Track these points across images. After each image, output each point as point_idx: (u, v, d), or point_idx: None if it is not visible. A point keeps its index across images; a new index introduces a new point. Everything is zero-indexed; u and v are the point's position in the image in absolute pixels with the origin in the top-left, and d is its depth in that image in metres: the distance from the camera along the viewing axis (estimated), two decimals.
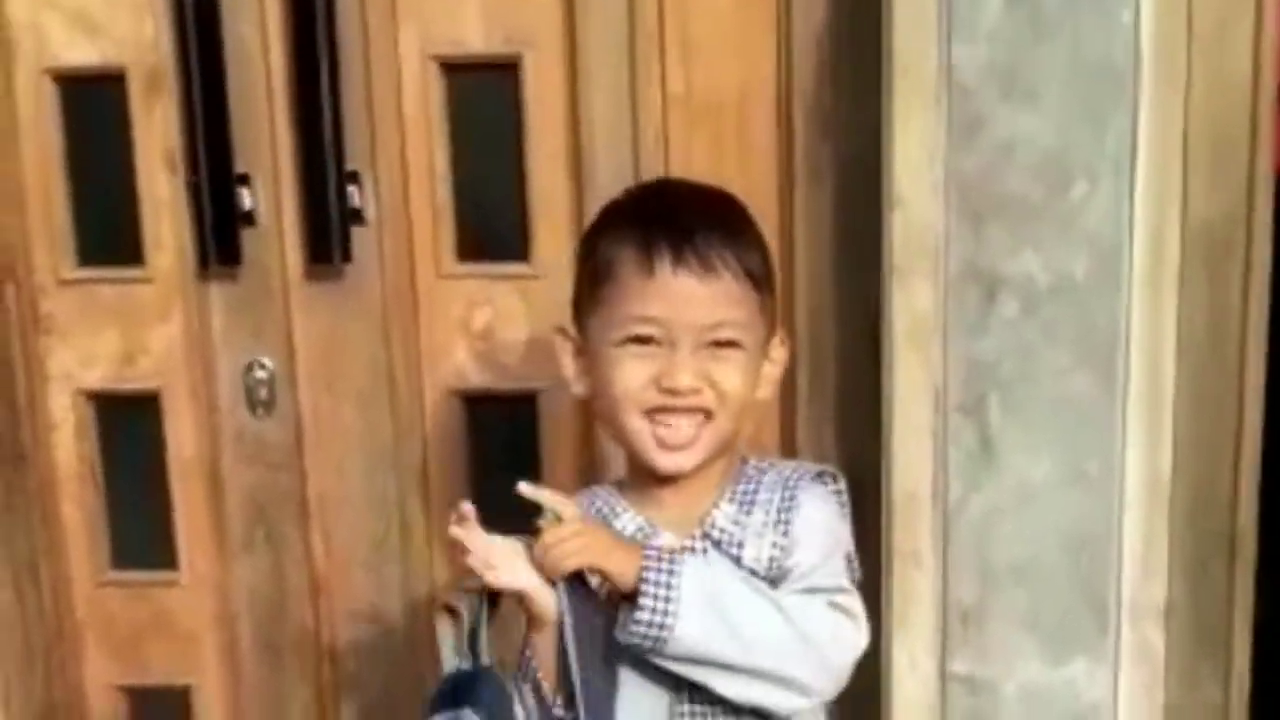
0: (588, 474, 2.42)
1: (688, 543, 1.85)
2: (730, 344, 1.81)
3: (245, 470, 2.62)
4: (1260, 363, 2.16)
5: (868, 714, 2.33)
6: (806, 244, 2.36)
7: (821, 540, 1.87)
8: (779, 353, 1.92)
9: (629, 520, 1.88)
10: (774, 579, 1.84)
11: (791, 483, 1.90)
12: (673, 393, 1.79)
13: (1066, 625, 2.21)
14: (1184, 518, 2.20)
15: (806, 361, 2.38)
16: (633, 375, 1.80)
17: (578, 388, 1.89)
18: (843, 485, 1.94)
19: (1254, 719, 2.27)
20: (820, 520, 1.88)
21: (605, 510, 1.89)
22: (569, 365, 1.89)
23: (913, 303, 2.15)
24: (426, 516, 2.59)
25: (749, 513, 1.88)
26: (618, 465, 2.02)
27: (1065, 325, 2.13)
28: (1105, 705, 2.22)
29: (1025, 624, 2.21)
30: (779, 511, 1.88)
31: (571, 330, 1.89)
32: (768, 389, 1.92)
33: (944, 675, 2.26)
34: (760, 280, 1.83)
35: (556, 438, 2.52)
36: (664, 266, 1.77)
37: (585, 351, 1.86)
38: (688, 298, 1.78)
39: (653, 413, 1.81)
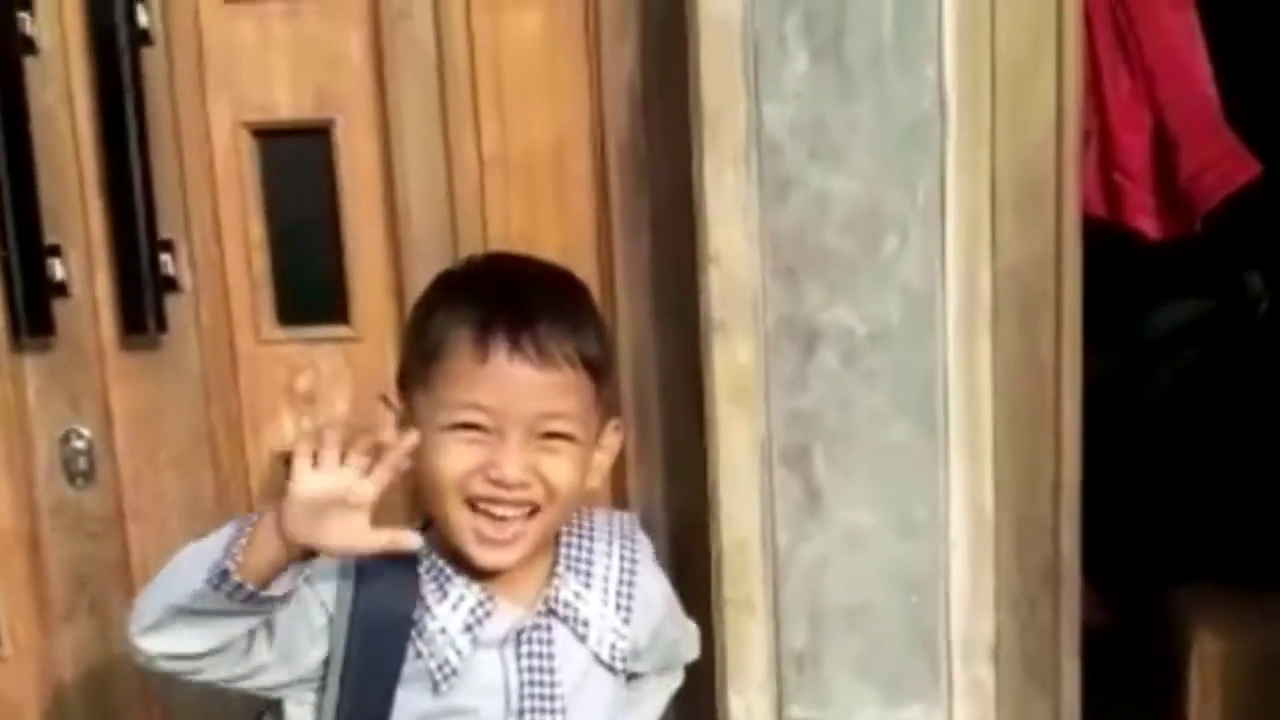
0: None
1: (530, 621, 1.84)
2: (562, 436, 1.77)
3: (65, 541, 2.57)
4: (1076, 400, 2.19)
5: None
6: (626, 298, 2.35)
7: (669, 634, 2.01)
8: (612, 439, 1.90)
9: (467, 591, 1.82)
10: (609, 665, 1.85)
11: (626, 554, 1.92)
12: (499, 484, 1.75)
13: (899, 668, 2.22)
14: (1009, 556, 2.22)
15: (632, 415, 2.36)
16: (459, 463, 1.75)
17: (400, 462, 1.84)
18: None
19: None
20: (663, 611, 1.99)
21: (439, 576, 1.83)
22: (390, 436, 1.77)
23: (733, 358, 2.16)
24: None
25: (588, 585, 1.87)
26: None
27: (884, 375, 2.14)
28: None
29: (859, 668, 2.23)
30: (618, 594, 1.89)
31: (395, 401, 1.84)
32: (598, 478, 1.90)
33: None
34: (598, 370, 1.81)
35: (387, 499, 2.48)
36: (499, 354, 1.73)
37: (409, 425, 1.80)
38: (521, 388, 1.74)
39: (477, 502, 1.77)
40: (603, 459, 1.90)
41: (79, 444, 2.51)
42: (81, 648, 2.61)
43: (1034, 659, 2.25)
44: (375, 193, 2.40)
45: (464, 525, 1.78)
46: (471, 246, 2.32)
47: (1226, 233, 2.95)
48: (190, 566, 1.65)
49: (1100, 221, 2.70)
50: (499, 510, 1.77)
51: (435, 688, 1.79)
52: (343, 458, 1.63)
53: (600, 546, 1.93)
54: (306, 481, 1.62)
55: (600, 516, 1.99)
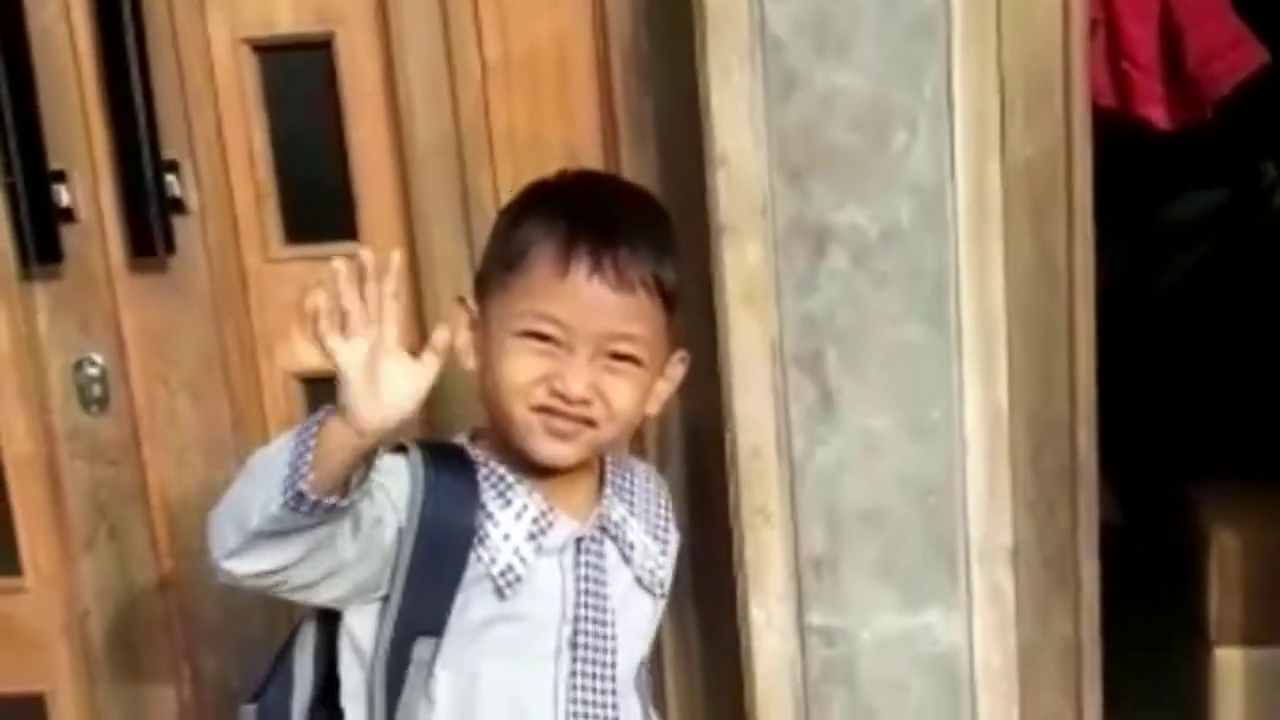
0: None
1: (587, 532, 1.86)
2: (629, 359, 1.79)
3: (83, 468, 2.58)
4: (1089, 297, 2.18)
5: (729, 670, 2.35)
6: None
7: None
8: (676, 370, 1.92)
9: (529, 501, 1.83)
10: (649, 589, 1.88)
11: (660, 494, 2.00)
12: (562, 398, 1.76)
13: (918, 572, 2.22)
14: (1025, 456, 2.21)
15: None
16: (524, 370, 1.77)
17: (467, 361, 1.84)
18: None
19: (1107, 650, 2.29)
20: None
21: (500, 484, 1.83)
22: (462, 336, 1.83)
23: (743, 261, 2.15)
24: None
25: (632, 512, 1.92)
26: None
27: (895, 274, 2.13)
28: (960, 648, 2.24)
29: (877, 573, 2.22)
30: (656, 527, 1.95)
31: (471, 302, 1.85)
32: (656, 405, 1.91)
33: (801, 628, 2.26)
34: (672, 299, 1.82)
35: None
36: (580, 271, 1.74)
37: (480, 327, 1.83)
38: (597, 306, 1.75)
39: (538, 410, 1.78)
40: (664, 387, 1.91)
41: (92, 370, 2.52)
42: (102, 575, 2.62)
43: (1053, 560, 2.25)
44: (379, 104, 2.39)
45: (530, 419, 1.78)
46: (477, 154, 2.33)
47: (1240, 123, 2.93)
48: (261, 483, 1.61)
49: (1111, 112, 2.68)
50: (558, 424, 1.78)
51: (499, 592, 1.80)
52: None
53: (639, 482, 1.98)
54: (347, 354, 1.59)
55: (635, 460, 2.06)
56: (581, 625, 1.84)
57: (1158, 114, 2.77)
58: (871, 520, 2.21)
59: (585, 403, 1.77)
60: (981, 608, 2.24)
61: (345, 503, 1.61)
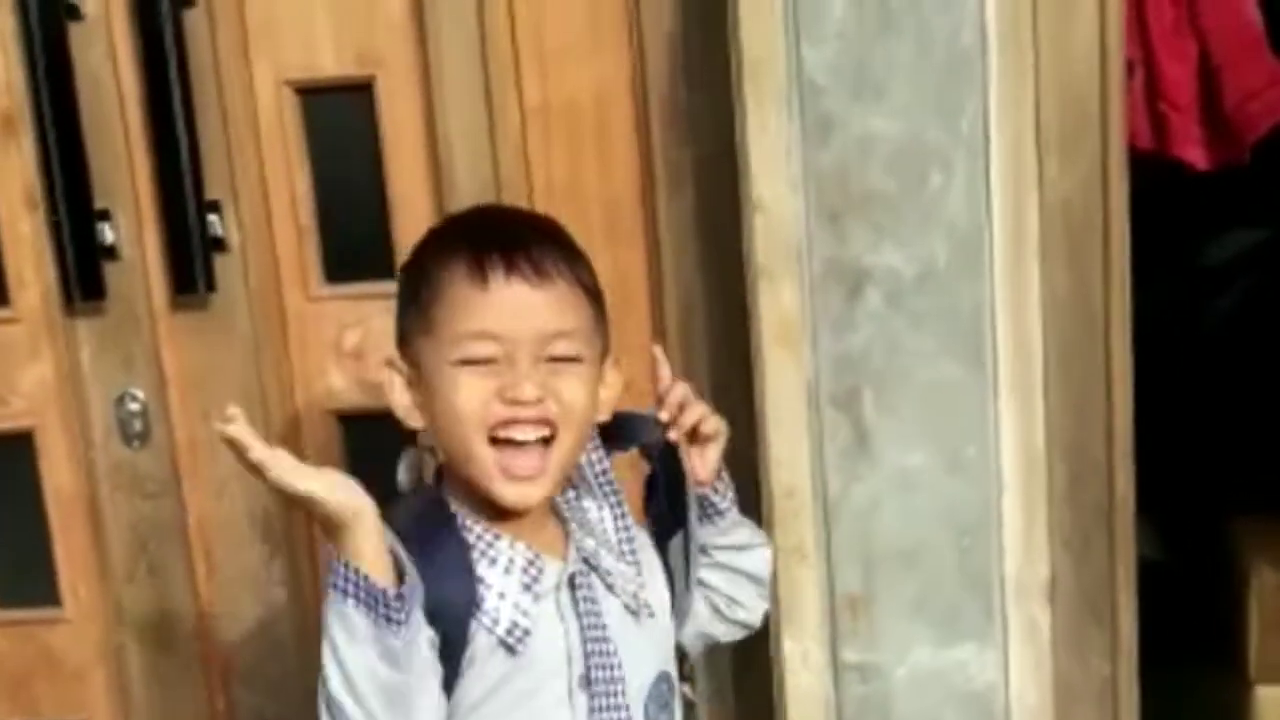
0: None
1: (576, 567, 1.81)
2: (570, 359, 1.75)
3: (124, 502, 2.60)
4: (1126, 333, 2.19)
5: (763, 708, 2.35)
6: (671, 246, 2.36)
7: None
8: (612, 376, 1.85)
9: (514, 553, 1.77)
10: (635, 613, 1.85)
11: (614, 517, 1.90)
12: (516, 403, 1.71)
13: (953, 609, 2.23)
14: (1062, 493, 2.22)
15: (679, 361, 2.36)
16: (474, 392, 1.71)
17: (412, 421, 1.78)
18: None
19: (1144, 687, 2.29)
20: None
21: (479, 543, 1.76)
22: (400, 399, 1.78)
23: (779, 303, 2.16)
24: (309, 536, 2.57)
25: (592, 535, 1.85)
26: None
27: (931, 314, 2.14)
28: (996, 685, 2.24)
29: (912, 610, 2.23)
30: (622, 552, 1.87)
31: (400, 362, 1.80)
32: (605, 412, 1.87)
33: (836, 665, 2.27)
34: (593, 293, 1.79)
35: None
36: (497, 275, 1.70)
37: (418, 382, 1.77)
38: (524, 307, 1.72)
39: (498, 429, 1.72)
40: (606, 394, 1.84)
41: (134, 406, 2.54)
42: (141, 607, 2.64)
43: (1090, 596, 2.25)
44: (419, 147, 2.42)
45: (489, 461, 1.73)
46: (515, 198, 2.34)
47: (1277, 162, 2.92)
48: (360, 649, 1.61)
49: (1149, 154, 2.68)
50: (519, 434, 1.73)
51: (510, 650, 1.77)
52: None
53: (592, 511, 1.91)
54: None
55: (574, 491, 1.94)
56: (593, 660, 1.80)
57: (1196, 155, 2.77)
58: (907, 558, 2.22)
59: (540, 401, 1.71)
60: (1017, 644, 2.25)
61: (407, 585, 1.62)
